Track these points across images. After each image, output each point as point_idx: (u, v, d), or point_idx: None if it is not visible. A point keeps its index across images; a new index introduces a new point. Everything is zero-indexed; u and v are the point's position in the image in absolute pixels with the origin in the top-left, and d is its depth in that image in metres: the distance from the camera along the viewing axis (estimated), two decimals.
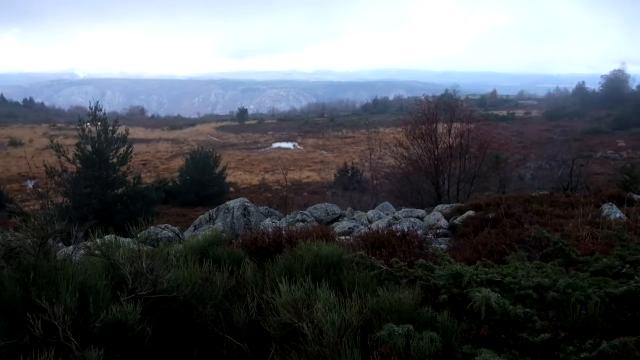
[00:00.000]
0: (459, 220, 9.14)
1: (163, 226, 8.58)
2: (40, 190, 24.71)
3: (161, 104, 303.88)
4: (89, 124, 23.39)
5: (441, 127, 21.98)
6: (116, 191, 23.56)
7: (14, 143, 65.35)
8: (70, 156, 22.62)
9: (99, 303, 2.43)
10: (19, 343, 2.22)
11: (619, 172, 26.21)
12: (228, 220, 10.12)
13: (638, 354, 2.38)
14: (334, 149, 63.34)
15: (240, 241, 4.63)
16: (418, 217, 10.04)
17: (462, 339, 2.64)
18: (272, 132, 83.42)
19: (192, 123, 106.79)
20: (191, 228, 11.32)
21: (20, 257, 2.60)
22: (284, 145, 69.61)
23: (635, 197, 10.70)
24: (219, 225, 9.53)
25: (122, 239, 3.64)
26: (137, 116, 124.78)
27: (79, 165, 22.95)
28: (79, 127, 23.77)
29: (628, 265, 3.56)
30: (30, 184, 35.90)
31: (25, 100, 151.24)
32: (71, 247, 3.48)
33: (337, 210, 11.66)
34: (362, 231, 7.69)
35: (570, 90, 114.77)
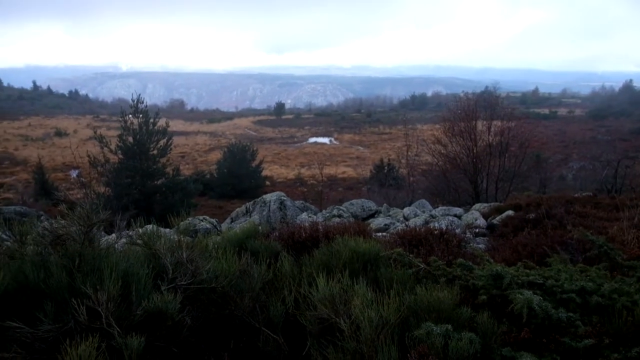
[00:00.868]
0: (497, 219, 8.97)
1: (201, 217, 8.71)
2: (83, 179, 25.45)
3: (200, 97, 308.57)
4: (130, 115, 23.95)
5: (480, 125, 21.56)
6: (155, 182, 24.08)
7: (59, 133, 67.53)
8: (113, 147, 23.23)
9: (141, 291, 2.47)
10: (64, 327, 2.28)
11: None
12: (264, 213, 10.20)
13: None
14: (370, 145, 63.06)
15: (277, 234, 4.65)
16: (455, 216, 9.90)
17: (501, 341, 2.59)
18: (308, 127, 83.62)
19: (229, 116, 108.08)
20: (228, 220, 11.46)
21: (66, 244, 2.68)
22: (320, 140, 69.67)
23: None
24: (255, 218, 9.62)
25: (162, 229, 3.70)
26: (176, 109, 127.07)
27: (120, 156, 23.55)
28: (121, 119, 24.36)
29: None
30: (73, 173, 37.02)
31: (70, 92, 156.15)
32: (113, 235, 3.57)
33: (372, 206, 11.61)
34: (398, 228, 7.63)
35: (616, 89, 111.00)
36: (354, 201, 11.86)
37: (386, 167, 31.39)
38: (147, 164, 23.59)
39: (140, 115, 23.80)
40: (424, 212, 10.89)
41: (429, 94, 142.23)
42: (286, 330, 2.75)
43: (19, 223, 2.95)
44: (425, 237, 4.62)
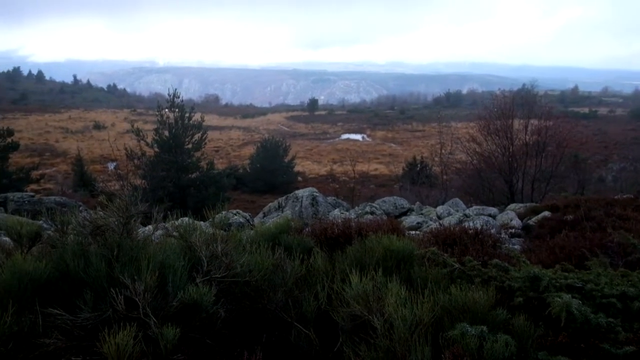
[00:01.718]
0: (533, 220, 8.80)
1: (234, 211, 8.81)
2: (120, 172, 26.02)
3: (234, 92, 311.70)
4: (166, 110, 24.35)
5: (517, 123, 21.17)
6: (190, 175, 24.45)
7: (98, 126, 69.25)
8: (149, 140, 23.69)
9: (176, 283, 2.51)
10: (102, 315, 2.34)
11: None
12: (296, 208, 10.25)
13: None
14: (403, 142, 62.60)
15: (310, 230, 4.66)
16: (490, 215, 9.75)
17: (537, 345, 2.53)
18: (341, 123, 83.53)
19: (263, 112, 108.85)
20: (260, 214, 11.55)
21: (106, 234, 2.74)
22: (353, 136, 69.50)
23: None
24: (287, 213, 9.67)
25: (197, 222, 3.75)
26: (211, 104, 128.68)
27: (156, 149, 24.00)
28: (157, 113, 24.80)
29: None
30: (111, 166, 37.92)
31: (108, 86, 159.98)
32: (148, 227, 3.63)
33: (405, 204, 11.53)
34: (431, 226, 7.56)
35: None
36: (386, 198, 11.80)
37: (419, 165, 31.09)
38: (182, 158, 23.97)
39: (176, 110, 24.20)
40: (457, 211, 10.76)
41: (464, 91, 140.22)
42: (318, 326, 2.75)
43: (60, 213, 3.04)
44: (460, 236, 4.55)
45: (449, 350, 2.22)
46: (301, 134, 71.19)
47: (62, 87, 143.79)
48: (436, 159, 28.53)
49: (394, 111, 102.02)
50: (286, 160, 37.49)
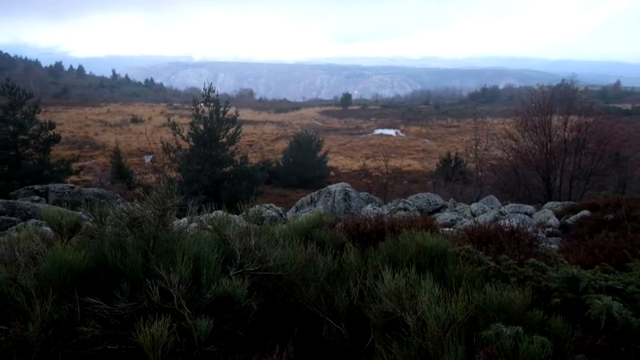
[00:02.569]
0: (571, 219, 8.57)
1: (267, 205, 8.86)
2: (156, 164, 26.53)
3: (268, 87, 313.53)
4: (202, 104, 24.67)
5: (556, 119, 20.66)
6: (224, 169, 24.73)
7: (135, 120, 70.69)
8: (184, 134, 24.06)
9: (210, 275, 2.54)
10: (138, 305, 2.38)
11: None
12: (329, 203, 10.25)
13: None
14: (437, 138, 61.85)
15: (342, 225, 4.65)
16: (526, 214, 9.55)
17: (575, 347, 2.46)
18: (374, 118, 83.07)
19: (296, 106, 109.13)
20: (293, 209, 11.60)
21: (142, 226, 2.79)
22: (386, 131, 69.02)
23: None
24: (319, 207, 9.68)
25: (231, 216, 3.78)
26: (245, 98, 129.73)
27: (191, 143, 24.36)
28: (193, 107, 25.15)
29: None
30: (147, 159, 38.69)
31: (146, 81, 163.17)
32: (183, 219, 3.68)
33: (438, 200, 11.39)
34: (465, 224, 7.45)
35: None
36: (419, 195, 11.69)
37: (453, 161, 30.64)
38: (217, 152, 24.26)
39: (211, 104, 24.50)
40: (492, 208, 10.57)
41: (501, 86, 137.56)
42: (349, 322, 2.74)
43: (98, 204, 3.11)
44: (495, 234, 4.46)
45: (483, 350, 2.18)
46: (334, 129, 71.10)
47: (102, 82, 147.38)
48: (471, 155, 28.13)
49: (428, 106, 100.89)
50: (319, 155, 37.52)
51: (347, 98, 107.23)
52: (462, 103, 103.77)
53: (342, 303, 2.74)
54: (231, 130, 25.02)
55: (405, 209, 9.78)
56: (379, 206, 10.53)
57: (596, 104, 30.51)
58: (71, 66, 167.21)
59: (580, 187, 19.19)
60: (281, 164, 37.49)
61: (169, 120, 25.28)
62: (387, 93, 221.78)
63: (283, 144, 45.73)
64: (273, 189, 33.31)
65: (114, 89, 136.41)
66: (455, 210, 10.67)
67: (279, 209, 9.17)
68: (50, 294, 2.27)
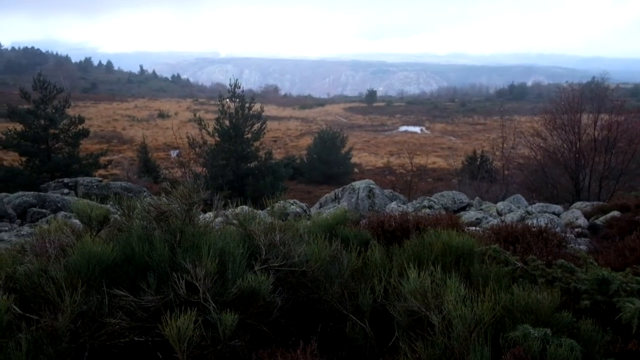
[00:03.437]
0: (601, 220, 8.39)
1: (292, 201, 8.89)
2: (182, 159, 26.84)
3: (293, 83, 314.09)
4: (227, 100, 24.86)
5: (585, 118, 20.21)
6: (248, 164, 24.90)
7: (162, 115, 71.64)
8: (210, 129, 24.29)
9: (236, 270, 2.55)
10: (164, 298, 2.41)
11: None
12: (353, 200, 10.22)
13: None
14: (463, 135, 61.20)
15: (366, 222, 4.63)
16: (554, 213, 9.38)
17: (604, 351, 2.41)
18: (399, 115, 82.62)
19: (321, 103, 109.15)
20: (317, 205, 11.61)
21: (169, 220, 2.82)
22: (411, 128, 68.60)
23: None
24: (343, 204, 9.66)
25: (256, 211, 3.80)
26: (270, 94, 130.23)
27: (217, 138, 24.59)
28: (218, 103, 25.38)
29: None
30: (173, 153, 39.18)
31: (173, 76, 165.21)
32: (208, 214, 3.71)
33: (464, 198, 11.27)
34: (491, 223, 7.35)
35: None
36: (444, 193, 11.58)
37: (479, 159, 30.27)
38: (242, 147, 24.44)
39: (237, 100, 24.68)
40: (519, 207, 10.42)
41: (529, 83, 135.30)
42: (373, 320, 2.73)
43: (126, 198, 3.15)
44: (522, 234, 4.39)
45: (510, 351, 2.15)
46: (359, 126, 70.93)
47: (130, 77, 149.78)
48: (497, 153, 27.76)
49: (454, 103, 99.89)
50: (343, 151, 37.49)
51: (372, 94, 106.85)
52: (489, 100, 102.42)
53: (366, 300, 2.73)
54: (256, 126, 25.18)
55: (430, 207, 9.69)
56: (404, 204, 10.47)
57: (628, 102, 29.73)
58: (100, 62, 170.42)
59: (610, 187, 18.74)
60: (305, 160, 37.57)
61: (194, 115, 25.59)
62: (412, 90, 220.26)
63: (307, 140, 45.82)
64: (297, 185, 33.42)
65: (142, 85, 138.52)
66: (481, 209, 10.55)
67: (303, 205, 9.19)
68: (80, 285, 2.31)
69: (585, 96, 21.57)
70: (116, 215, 3.19)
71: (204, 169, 23.90)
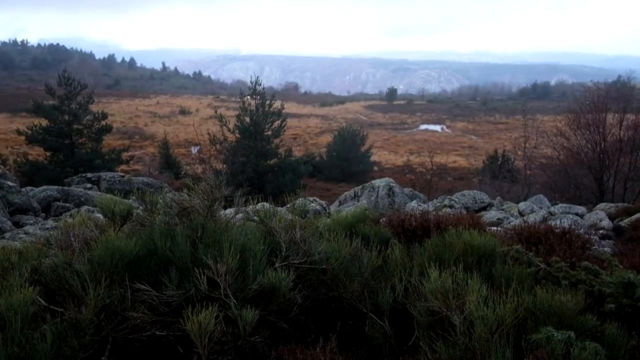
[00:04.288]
0: (626, 222, 8.23)
1: (311, 199, 8.90)
2: (202, 155, 27.05)
3: (314, 80, 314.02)
4: (248, 97, 24.96)
5: (611, 118, 19.83)
6: (268, 161, 24.99)
7: (183, 111, 72.30)
8: (231, 126, 24.43)
9: (256, 266, 2.56)
10: (186, 293, 2.43)
11: None
12: (372, 198, 10.19)
13: None
14: (484, 134, 60.56)
15: (386, 221, 4.61)
16: (577, 214, 9.23)
17: (630, 356, 2.37)
18: (420, 113, 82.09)
19: (341, 100, 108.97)
20: (336, 203, 11.60)
21: (191, 215, 2.84)
22: (432, 127, 68.09)
23: None
24: (363, 202, 9.64)
25: (276, 208, 3.81)
26: (290, 91, 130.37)
27: (237, 135, 24.73)
28: (239, 100, 25.50)
29: None
30: (194, 150, 39.49)
31: (194, 73, 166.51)
32: (229, 210, 3.73)
33: (485, 198, 11.16)
34: (513, 223, 7.27)
35: None
36: (465, 192, 11.48)
37: (500, 159, 29.92)
38: (262, 144, 24.56)
39: (257, 97, 24.78)
40: (541, 208, 10.28)
41: (553, 82, 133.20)
42: (393, 318, 2.72)
43: (149, 193, 3.19)
44: (545, 235, 4.33)
45: (532, 354, 2.12)
46: (379, 124, 70.64)
47: (152, 74, 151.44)
48: (519, 152, 27.38)
49: (475, 102, 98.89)
50: (363, 149, 37.39)
51: (392, 92, 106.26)
52: (511, 99, 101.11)
53: (386, 299, 2.72)
54: (276, 124, 25.25)
55: (451, 206, 9.62)
56: (424, 202, 10.41)
57: None
58: (123, 58, 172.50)
59: (635, 188, 18.36)
60: (325, 157, 37.56)
61: (215, 112, 25.77)
62: (433, 88, 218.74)
63: (327, 138, 45.77)
64: (316, 182, 33.43)
65: (164, 81, 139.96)
66: (502, 209, 10.43)
67: (323, 202, 9.20)
68: (103, 279, 2.35)
69: (611, 95, 21.17)
70: (138, 210, 3.23)
71: (224, 165, 24.07)
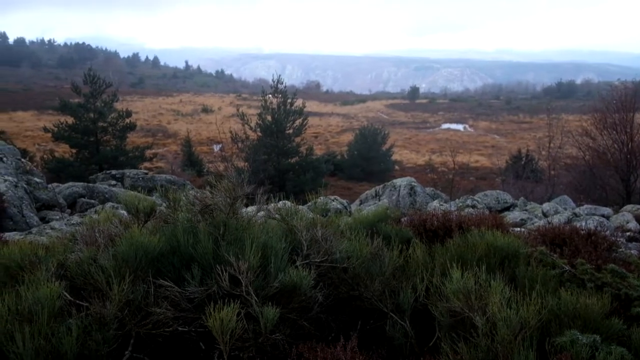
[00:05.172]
0: None
1: (332, 197, 8.89)
2: (224, 153, 27.24)
3: (335, 79, 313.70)
4: (270, 95, 25.05)
5: (638, 117, 19.40)
6: (290, 160, 25.05)
7: (206, 110, 72.88)
8: (252, 124, 24.55)
9: (278, 264, 2.57)
10: (208, 290, 2.45)
11: None
12: (394, 197, 10.15)
13: None
14: (507, 134, 59.81)
15: (408, 220, 4.58)
16: (603, 216, 9.06)
17: None
18: (442, 112, 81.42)
19: (363, 99, 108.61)
20: (357, 202, 11.58)
21: (214, 213, 2.86)
22: (454, 126, 67.48)
23: None
24: (384, 201, 9.60)
25: (297, 206, 3.81)
26: (312, 90, 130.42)
27: (259, 134, 24.84)
28: (261, 98, 25.61)
29: None
30: (216, 148, 39.78)
31: (217, 72, 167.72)
32: (250, 208, 3.75)
33: (508, 198, 11.02)
34: (536, 224, 7.17)
35: None
36: (488, 192, 11.36)
37: (524, 158, 29.51)
38: (283, 142, 24.63)
39: (279, 95, 24.85)
40: (565, 209, 10.12)
41: (578, 81, 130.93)
42: (414, 319, 2.70)
43: (172, 191, 3.22)
44: (570, 236, 4.25)
45: (556, 357, 2.09)
46: (400, 123, 70.25)
47: (175, 72, 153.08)
48: (543, 152, 26.98)
49: (499, 101, 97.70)
50: (384, 148, 37.26)
51: (414, 91, 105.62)
52: (535, 98, 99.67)
53: (407, 299, 2.70)
54: (297, 122, 25.31)
55: (473, 206, 9.53)
56: (446, 202, 10.32)
57: None
58: (147, 57, 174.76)
59: None
60: (346, 156, 37.52)
61: (237, 110, 25.91)
62: (456, 87, 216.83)
63: (348, 137, 45.72)
64: (337, 181, 33.41)
65: (187, 80, 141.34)
66: (526, 210, 10.29)
67: (344, 201, 9.19)
68: (127, 274, 2.38)
69: (639, 94, 20.70)
70: (162, 207, 3.26)
71: (246, 163, 24.21)
